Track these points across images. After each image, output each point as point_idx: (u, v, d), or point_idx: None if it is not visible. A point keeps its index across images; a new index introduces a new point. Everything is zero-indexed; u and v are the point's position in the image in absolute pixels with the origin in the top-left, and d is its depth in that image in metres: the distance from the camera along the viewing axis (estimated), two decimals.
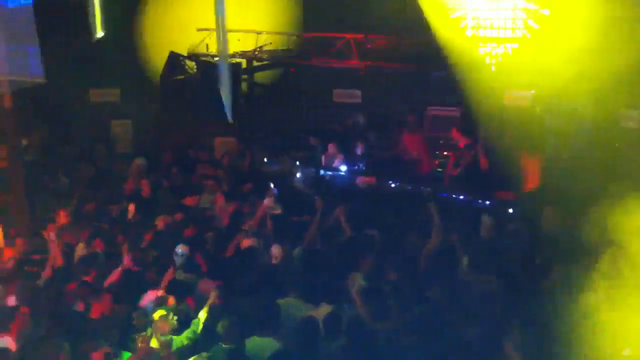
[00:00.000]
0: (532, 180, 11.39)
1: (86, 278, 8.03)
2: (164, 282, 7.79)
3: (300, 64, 14.20)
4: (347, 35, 13.51)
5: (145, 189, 10.91)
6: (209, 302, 7.13)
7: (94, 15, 12.17)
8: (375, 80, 13.60)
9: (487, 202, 10.06)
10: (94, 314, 7.29)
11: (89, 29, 12.50)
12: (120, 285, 7.89)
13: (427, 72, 13.26)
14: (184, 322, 7.08)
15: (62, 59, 13.05)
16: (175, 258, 8.31)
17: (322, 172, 11.92)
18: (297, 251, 8.41)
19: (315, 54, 13.88)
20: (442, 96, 12.92)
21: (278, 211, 9.65)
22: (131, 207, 10.13)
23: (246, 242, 8.64)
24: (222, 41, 11.88)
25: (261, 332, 6.61)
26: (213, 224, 9.76)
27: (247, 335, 6.60)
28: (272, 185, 10.02)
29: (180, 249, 8.38)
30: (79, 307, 7.44)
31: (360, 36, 13.46)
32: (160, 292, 7.50)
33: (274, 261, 8.26)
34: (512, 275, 7.72)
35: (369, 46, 13.46)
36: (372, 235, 8.58)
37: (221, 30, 11.73)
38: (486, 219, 8.77)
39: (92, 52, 13.16)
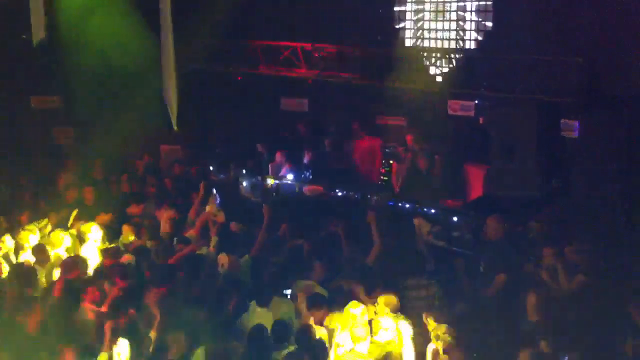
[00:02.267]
0: (476, 190, 11.59)
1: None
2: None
3: (247, 72, 14.14)
4: (295, 44, 13.52)
5: (89, 196, 10.70)
6: (157, 320, 7.00)
7: (37, 16, 11.80)
8: (322, 89, 13.65)
9: (432, 211, 10.17)
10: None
11: (29, 31, 12.13)
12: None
13: (373, 81, 13.35)
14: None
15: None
16: None
17: (269, 180, 11.91)
18: (245, 259, 8.37)
19: (263, 62, 13.85)
20: (388, 106, 13.02)
21: (221, 219, 9.56)
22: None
23: (188, 250, 8.59)
24: (168, 50, 11.72)
25: (212, 341, 6.55)
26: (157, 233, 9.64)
27: (197, 346, 6.52)
28: (214, 192, 9.96)
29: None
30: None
31: (308, 45, 13.50)
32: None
33: (220, 269, 8.20)
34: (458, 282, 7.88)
35: (316, 55, 13.49)
36: (316, 242, 8.66)
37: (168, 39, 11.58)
38: (418, 222, 8.97)
39: (33, 55, 12.82)
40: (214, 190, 10.05)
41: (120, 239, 9.42)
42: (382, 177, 12.31)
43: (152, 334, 6.89)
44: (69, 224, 9.89)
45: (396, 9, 13.52)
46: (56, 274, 8.22)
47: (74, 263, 8.16)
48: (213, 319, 6.95)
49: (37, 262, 8.57)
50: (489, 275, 8.08)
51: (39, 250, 8.69)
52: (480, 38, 12.57)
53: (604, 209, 10.36)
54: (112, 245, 9.13)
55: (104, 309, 7.27)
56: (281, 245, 8.80)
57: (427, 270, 7.92)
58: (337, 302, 7.07)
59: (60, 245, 8.94)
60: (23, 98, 13.71)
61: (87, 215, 9.94)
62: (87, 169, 11.90)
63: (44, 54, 12.40)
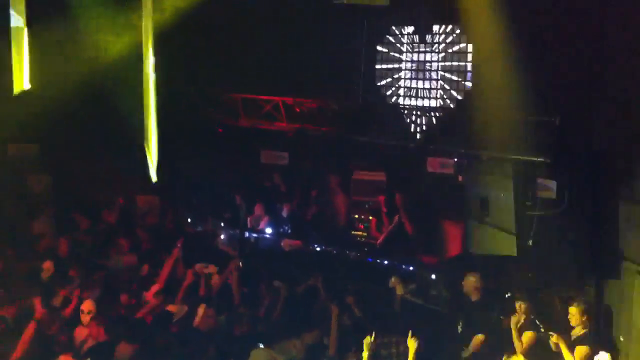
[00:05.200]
0: (454, 247, 11.59)
1: None
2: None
3: (228, 124, 14.18)
4: (276, 98, 13.61)
5: (63, 247, 10.53)
6: None
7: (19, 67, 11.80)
8: (302, 143, 13.70)
9: (410, 267, 10.14)
10: None
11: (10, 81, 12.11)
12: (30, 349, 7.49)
13: (353, 136, 13.44)
14: None
15: None
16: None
17: (247, 233, 11.82)
18: (222, 318, 8.24)
19: (244, 114, 13.91)
20: (367, 161, 13.08)
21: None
22: (47, 266, 9.73)
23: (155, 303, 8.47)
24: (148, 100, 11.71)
25: None
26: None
27: None
28: (178, 244, 9.85)
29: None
30: None
31: (289, 99, 13.59)
32: None
33: (197, 321, 8.04)
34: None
35: (297, 109, 13.59)
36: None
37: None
38: (394, 282, 8.95)
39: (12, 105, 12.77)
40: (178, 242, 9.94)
41: None
42: (359, 233, 12.26)
43: None
44: None
45: (377, 66, 13.71)
46: None
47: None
48: None
49: None
50: (467, 334, 8.03)
51: None
52: (459, 97, 12.74)
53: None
54: None
55: None
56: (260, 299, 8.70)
57: (400, 329, 7.85)
58: None
59: None
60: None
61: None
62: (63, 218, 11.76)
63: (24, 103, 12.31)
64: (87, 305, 8.25)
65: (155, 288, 8.99)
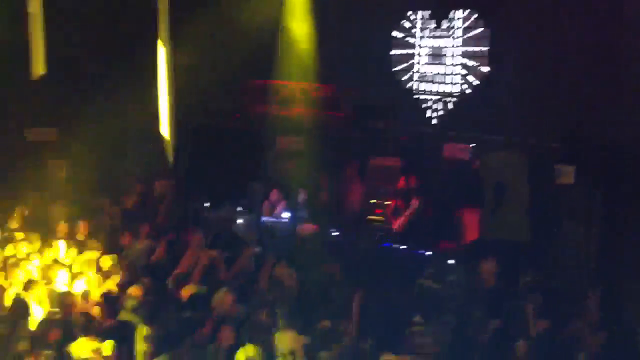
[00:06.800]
0: (471, 232, 11.59)
1: None
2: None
3: (245, 110, 14.21)
4: (293, 84, 13.62)
5: (82, 230, 10.64)
6: None
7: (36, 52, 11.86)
8: (318, 129, 13.70)
9: (428, 253, 10.17)
10: None
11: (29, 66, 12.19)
12: None
13: (369, 122, 13.44)
14: None
15: None
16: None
17: (264, 218, 11.88)
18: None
19: (261, 101, 13.92)
20: (383, 147, 13.08)
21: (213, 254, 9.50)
22: None
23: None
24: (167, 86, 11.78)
25: None
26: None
27: None
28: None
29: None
30: None
31: (305, 85, 13.60)
32: None
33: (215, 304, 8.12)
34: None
35: (314, 94, 13.58)
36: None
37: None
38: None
39: (31, 90, 12.85)
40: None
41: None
42: (376, 218, 12.28)
43: None
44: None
45: (393, 52, 13.69)
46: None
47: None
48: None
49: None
50: (483, 320, 8.05)
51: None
52: (476, 82, 12.70)
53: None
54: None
55: None
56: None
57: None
58: None
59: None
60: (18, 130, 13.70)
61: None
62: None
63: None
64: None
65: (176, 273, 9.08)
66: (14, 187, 12.34)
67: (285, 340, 7.32)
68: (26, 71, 11.71)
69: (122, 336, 7.40)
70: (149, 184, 12.95)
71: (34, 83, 11.79)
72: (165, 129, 11.52)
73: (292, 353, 7.06)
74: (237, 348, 7.11)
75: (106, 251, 9.89)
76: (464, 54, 12.78)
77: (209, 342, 7.27)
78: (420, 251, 10.34)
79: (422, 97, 13.15)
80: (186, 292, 8.48)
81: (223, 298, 8.04)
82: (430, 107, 13.01)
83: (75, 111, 13.40)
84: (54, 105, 13.52)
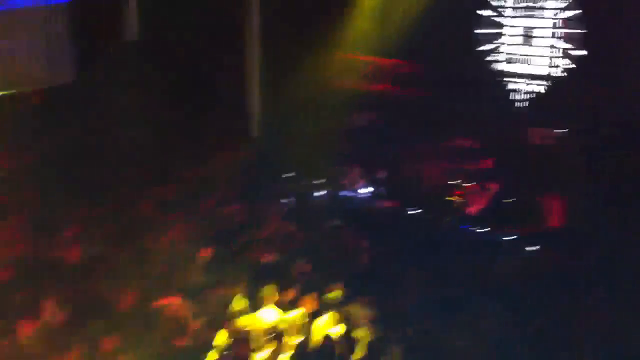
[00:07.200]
0: (553, 220, 11.44)
1: None
2: None
3: (326, 84, 14.22)
4: (376, 59, 13.58)
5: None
6: None
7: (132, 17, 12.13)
8: (398, 106, 13.67)
9: (508, 237, 10.12)
10: None
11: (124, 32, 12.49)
12: None
13: (451, 101, 13.33)
14: None
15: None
16: None
17: (343, 193, 12.00)
18: None
19: (342, 76, 13.93)
20: (466, 127, 12.96)
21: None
22: None
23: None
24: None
25: None
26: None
27: None
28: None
29: None
30: None
31: (388, 61, 13.54)
32: None
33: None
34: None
35: (396, 71, 13.53)
36: None
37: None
38: None
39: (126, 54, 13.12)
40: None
41: None
42: (455, 199, 12.24)
43: None
44: None
45: (477, 31, 13.47)
46: None
47: None
48: None
49: None
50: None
51: None
52: (567, 66, 12.41)
53: None
54: None
55: None
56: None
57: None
58: None
59: None
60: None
61: None
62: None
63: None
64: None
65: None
66: None
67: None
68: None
69: None
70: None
71: None
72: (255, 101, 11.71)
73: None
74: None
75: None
76: (556, 36, 12.48)
77: None
78: (500, 235, 10.28)
79: (507, 78, 12.93)
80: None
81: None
82: (515, 90, 12.80)
83: None
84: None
